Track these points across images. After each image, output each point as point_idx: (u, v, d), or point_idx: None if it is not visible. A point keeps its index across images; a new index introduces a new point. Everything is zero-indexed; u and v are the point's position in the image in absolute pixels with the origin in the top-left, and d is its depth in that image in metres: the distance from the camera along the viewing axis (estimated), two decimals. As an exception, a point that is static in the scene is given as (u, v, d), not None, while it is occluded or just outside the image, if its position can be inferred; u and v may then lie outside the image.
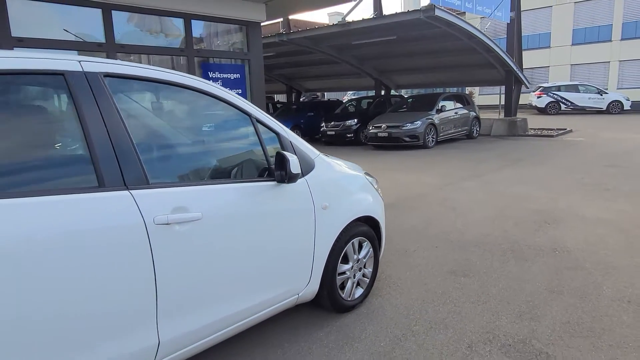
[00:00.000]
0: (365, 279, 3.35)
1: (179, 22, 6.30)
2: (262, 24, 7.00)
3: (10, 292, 1.59)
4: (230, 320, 2.38)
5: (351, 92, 29.37)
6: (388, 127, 12.84)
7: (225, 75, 6.83)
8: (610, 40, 27.14)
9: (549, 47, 29.63)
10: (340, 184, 3.07)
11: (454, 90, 20.66)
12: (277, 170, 2.50)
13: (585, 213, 5.46)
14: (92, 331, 1.82)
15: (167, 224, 2.01)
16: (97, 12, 5.40)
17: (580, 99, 23.59)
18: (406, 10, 12.19)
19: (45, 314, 1.67)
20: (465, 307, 3.25)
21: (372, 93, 20.36)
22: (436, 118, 13.10)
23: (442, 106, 13.56)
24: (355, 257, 3.20)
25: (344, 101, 18.87)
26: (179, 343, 2.14)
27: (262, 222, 2.47)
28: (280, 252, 2.61)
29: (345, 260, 3.12)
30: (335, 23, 13.31)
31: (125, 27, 5.84)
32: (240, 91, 7.17)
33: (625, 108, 22.97)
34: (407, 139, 12.58)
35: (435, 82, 18.91)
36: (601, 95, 23.37)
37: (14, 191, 1.67)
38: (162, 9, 5.99)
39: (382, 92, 19.20)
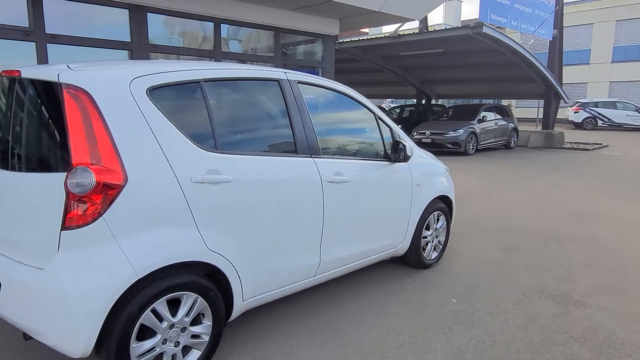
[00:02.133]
0: (440, 245, 4.32)
1: (270, 35, 7.44)
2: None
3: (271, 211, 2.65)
4: (355, 257, 3.40)
5: (389, 100, 30.25)
6: (432, 133, 13.71)
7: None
8: (652, 59, 27.23)
9: (588, 63, 29.87)
10: (429, 169, 4.06)
11: (489, 101, 21.35)
12: (393, 153, 3.52)
13: (618, 214, 6.28)
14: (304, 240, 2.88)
15: (331, 182, 3.05)
16: (207, 24, 6.54)
17: (617, 115, 23.85)
18: (453, 26, 13.05)
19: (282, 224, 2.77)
20: (518, 271, 4.18)
21: (410, 101, 21.23)
22: (477, 127, 13.90)
23: (483, 116, 14.36)
24: (434, 226, 4.18)
25: (385, 108, 19.79)
26: (328, 265, 3.17)
27: (381, 188, 3.50)
28: (390, 213, 3.62)
29: (427, 227, 4.10)
30: (387, 35, 14.29)
31: (230, 38, 6.99)
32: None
33: (663, 127, 23.14)
34: (449, 145, 13.43)
35: (474, 93, 19.63)
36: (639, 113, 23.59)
37: (262, 151, 2.75)
38: (257, 23, 7.11)
39: (423, 101, 20.07)
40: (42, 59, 5.23)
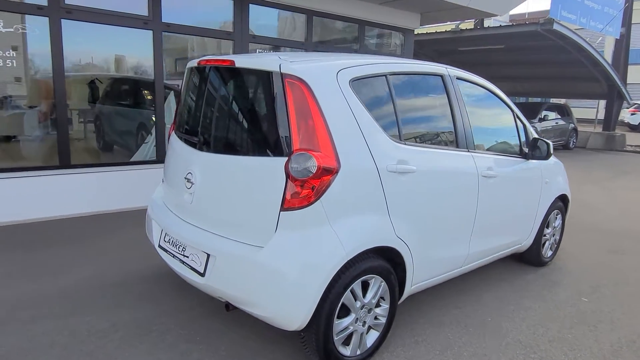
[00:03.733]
0: (555, 243, 4.33)
1: (354, 27, 7.52)
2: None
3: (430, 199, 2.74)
4: (493, 251, 3.46)
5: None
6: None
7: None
8: None
9: (637, 63, 28.68)
10: (554, 167, 4.06)
11: (539, 100, 20.82)
12: (531, 151, 3.54)
13: None
14: (460, 232, 2.99)
15: (485, 177, 3.11)
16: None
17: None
18: (504, 22, 12.77)
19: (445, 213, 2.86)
20: (630, 273, 4.15)
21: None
22: (538, 126, 13.62)
23: (544, 115, 14.06)
24: (553, 224, 4.19)
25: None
26: (473, 257, 3.24)
27: (519, 185, 3.55)
28: (522, 209, 3.66)
29: (547, 226, 4.11)
30: (448, 30, 14.14)
31: (318, 29, 7.10)
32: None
33: None
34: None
35: (531, 91, 19.19)
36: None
37: (432, 143, 2.83)
38: (345, 15, 7.19)
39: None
40: (157, 46, 5.46)
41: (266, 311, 2.23)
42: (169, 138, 3.13)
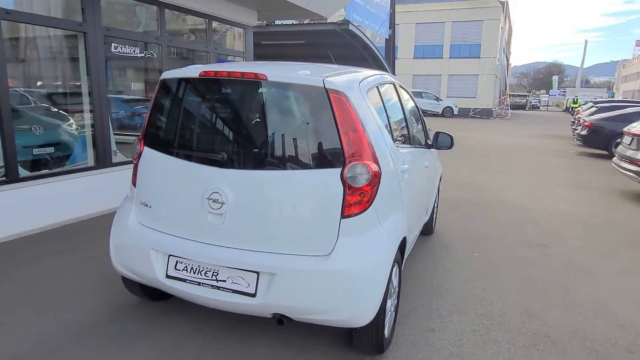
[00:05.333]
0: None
1: (203, 22, 7.27)
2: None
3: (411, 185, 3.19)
4: (421, 223, 4.12)
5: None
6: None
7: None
8: (441, 57, 33.42)
9: (397, 58, 34.94)
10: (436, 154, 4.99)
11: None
12: (433, 142, 4.32)
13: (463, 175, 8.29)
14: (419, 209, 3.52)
15: (425, 165, 3.73)
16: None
17: (424, 103, 28.72)
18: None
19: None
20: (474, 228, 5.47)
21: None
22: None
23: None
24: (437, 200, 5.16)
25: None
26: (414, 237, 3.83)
27: (428, 169, 4.26)
28: (431, 191, 4.44)
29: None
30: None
31: (172, 24, 6.63)
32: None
33: (454, 113, 28.89)
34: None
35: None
36: (438, 101, 28.91)
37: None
38: (189, 8, 6.89)
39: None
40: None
41: (340, 315, 2.34)
42: (138, 155, 2.74)
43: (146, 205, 2.68)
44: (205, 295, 2.44)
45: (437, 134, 4.35)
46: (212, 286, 2.43)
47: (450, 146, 4.34)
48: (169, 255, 2.53)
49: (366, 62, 16.99)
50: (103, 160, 5.60)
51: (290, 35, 15.20)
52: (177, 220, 2.57)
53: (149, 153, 2.70)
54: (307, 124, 2.45)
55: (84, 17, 5.29)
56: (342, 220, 2.33)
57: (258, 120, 2.53)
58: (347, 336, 2.74)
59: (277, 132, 2.46)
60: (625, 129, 8.28)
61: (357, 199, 2.35)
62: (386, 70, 17.33)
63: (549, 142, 16.67)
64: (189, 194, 2.50)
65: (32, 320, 2.96)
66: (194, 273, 2.47)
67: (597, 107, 14.61)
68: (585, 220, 6.00)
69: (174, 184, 2.60)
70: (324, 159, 2.38)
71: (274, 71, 2.51)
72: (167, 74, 2.69)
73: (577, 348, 2.88)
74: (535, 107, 53.85)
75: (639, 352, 2.88)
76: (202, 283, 2.45)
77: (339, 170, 2.32)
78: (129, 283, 2.99)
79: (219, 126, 2.58)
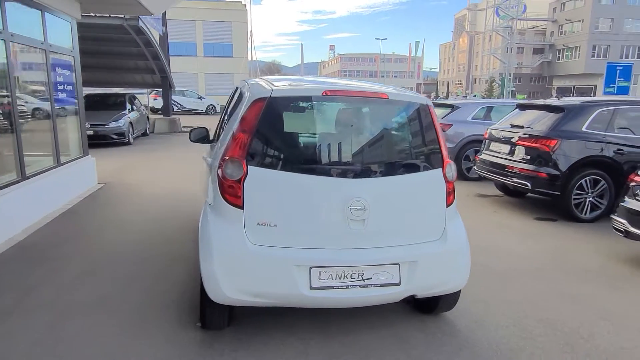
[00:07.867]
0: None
1: (37, 17, 5.90)
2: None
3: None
4: None
5: None
6: (92, 125, 12.90)
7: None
8: (196, 56, 33.58)
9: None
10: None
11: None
12: None
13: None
14: None
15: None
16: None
17: (187, 101, 28.57)
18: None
19: None
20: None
21: None
22: (132, 117, 14.24)
23: (131, 106, 14.73)
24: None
25: None
26: None
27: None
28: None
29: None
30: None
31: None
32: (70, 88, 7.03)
33: (217, 111, 29.76)
34: (114, 136, 13.18)
35: (93, 80, 18.81)
36: (201, 99, 29.18)
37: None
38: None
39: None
40: None
41: (454, 284, 2.95)
42: (244, 176, 2.58)
43: (268, 225, 2.60)
44: (354, 296, 2.64)
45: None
46: (360, 286, 2.65)
47: None
48: (310, 268, 2.59)
49: (146, 59, 16.08)
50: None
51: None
52: (314, 233, 2.65)
53: (260, 173, 2.61)
54: (419, 133, 2.93)
55: None
56: (447, 209, 2.92)
57: (379, 133, 2.82)
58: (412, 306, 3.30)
59: (395, 142, 2.85)
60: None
61: (452, 192, 2.97)
62: (162, 69, 16.71)
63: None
64: (328, 206, 2.63)
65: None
66: (340, 279, 2.62)
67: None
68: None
69: (305, 199, 2.64)
70: (432, 161, 2.93)
71: (392, 90, 2.92)
72: (277, 92, 2.64)
73: None
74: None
75: None
76: (350, 286, 2.64)
77: (440, 170, 2.90)
78: (217, 313, 2.78)
79: (347, 140, 2.74)
